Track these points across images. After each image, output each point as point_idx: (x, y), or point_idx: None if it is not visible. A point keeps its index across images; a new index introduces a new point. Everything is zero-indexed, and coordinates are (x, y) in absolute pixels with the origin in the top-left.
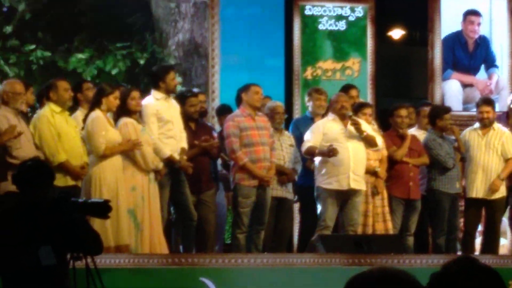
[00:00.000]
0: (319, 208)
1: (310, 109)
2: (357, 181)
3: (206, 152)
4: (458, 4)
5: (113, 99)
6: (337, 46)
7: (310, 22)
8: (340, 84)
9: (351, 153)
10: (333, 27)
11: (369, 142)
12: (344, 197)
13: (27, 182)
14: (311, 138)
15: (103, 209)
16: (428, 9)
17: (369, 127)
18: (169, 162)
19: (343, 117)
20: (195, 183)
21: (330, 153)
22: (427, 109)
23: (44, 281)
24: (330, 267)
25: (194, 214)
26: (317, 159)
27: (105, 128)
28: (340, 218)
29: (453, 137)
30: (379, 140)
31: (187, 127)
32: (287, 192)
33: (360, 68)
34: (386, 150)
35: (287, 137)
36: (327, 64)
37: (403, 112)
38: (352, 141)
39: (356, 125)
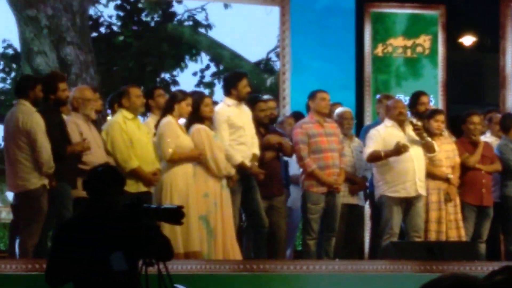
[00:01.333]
0: (383, 216)
1: (380, 115)
2: (422, 187)
3: (278, 154)
4: None
5: (185, 106)
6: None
7: (381, 30)
8: (411, 61)
9: (414, 159)
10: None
11: (428, 148)
12: (408, 204)
13: (97, 188)
14: (372, 144)
15: (176, 215)
16: (500, 15)
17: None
18: (240, 168)
19: (401, 123)
20: (266, 188)
21: (401, 149)
22: (499, 116)
23: (115, 287)
24: (402, 273)
25: (266, 221)
26: (376, 169)
27: (176, 134)
28: (403, 225)
29: None
30: (436, 146)
31: (257, 132)
32: (358, 199)
33: (431, 46)
34: (459, 157)
35: (357, 144)
36: (398, 41)
37: (476, 119)
38: (413, 147)
39: (419, 130)
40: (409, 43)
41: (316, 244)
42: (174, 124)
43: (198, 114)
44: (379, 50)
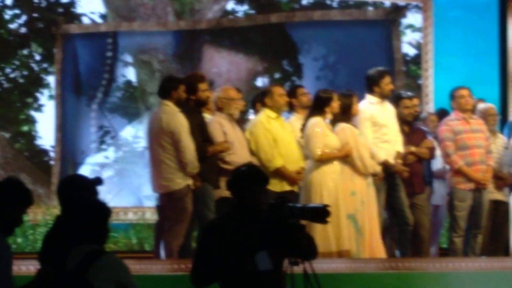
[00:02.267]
0: None
1: None
2: None
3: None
4: None
5: (334, 104)
6: None
7: None
8: None
9: None
10: None
11: None
12: None
13: (242, 187)
14: None
15: (322, 214)
16: None
17: None
18: (384, 166)
19: None
20: (408, 186)
21: None
22: None
23: (261, 286)
24: None
25: (411, 219)
26: None
27: (324, 133)
28: None
29: None
30: None
31: (401, 130)
32: (503, 195)
33: None
34: None
35: (501, 140)
36: None
37: None
38: None
39: None
40: None
41: (463, 242)
42: (322, 123)
43: (347, 114)
44: None
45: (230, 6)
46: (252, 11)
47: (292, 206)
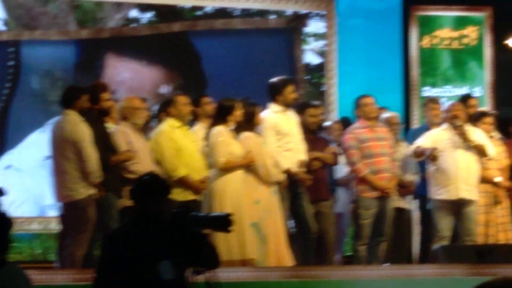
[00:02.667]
0: (433, 219)
1: (426, 119)
2: (468, 191)
3: (324, 163)
4: None
5: (237, 113)
6: (455, 56)
7: (427, 33)
8: (458, 50)
9: (460, 163)
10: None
11: (479, 151)
12: (458, 207)
13: (143, 196)
14: (419, 142)
15: (225, 222)
16: None
17: (484, 136)
18: (287, 175)
19: (454, 127)
20: (313, 193)
21: (430, 156)
22: None
23: None
24: (452, 277)
25: (314, 227)
26: (430, 171)
27: (228, 142)
28: (456, 229)
29: None
30: (491, 149)
31: (304, 138)
32: (405, 202)
33: (477, 36)
34: (508, 159)
35: (405, 148)
36: (445, 33)
37: None
38: (462, 150)
39: (462, 135)
40: (455, 34)
41: (367, 249)
42: (225, 132)
43: (251, 123)
44: (425, 41)
45: (133, 14)
46: (156, 19)
47: (195, 215)
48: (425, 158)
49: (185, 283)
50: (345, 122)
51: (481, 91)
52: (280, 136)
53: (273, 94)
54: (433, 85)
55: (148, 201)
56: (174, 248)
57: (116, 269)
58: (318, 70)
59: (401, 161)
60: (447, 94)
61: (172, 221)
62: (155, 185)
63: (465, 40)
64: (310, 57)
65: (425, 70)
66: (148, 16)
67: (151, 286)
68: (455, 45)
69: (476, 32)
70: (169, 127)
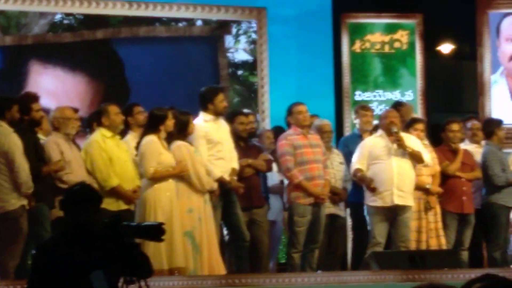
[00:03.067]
0: (369, 225)
1: (357, 126)
2: (403, 197)
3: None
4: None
5: (169, 122)
6: (386, 63)
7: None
8: (389, 57)
9: (394, 170)
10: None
11: (415, 158)
12: (392, 214)
13: (74, 206)
14: (357, 159)
15: (157, 232)
16: (476, 23)
17: (419, 143)
18: (220, 183)
19: (390, 133)
20: (246, 201)
21: (369, 186)
22: (475, 123)
23: None
24: (384, 283)
25: (247, 235)
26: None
27: (158, 151)
28: (391, 235)
29: (509, 150)
30: (427, 156)
31: (236, 146)
32: (339, 209)
33: (408, 41)
34: (439, 165)
35: (336, 155)
36: (376, 37)
37: (455, 126)
38: (397, 157)
39: (398, 141)
40: (386, 38)
41: (300, 257)
42: (156, 142)
43: (184, 132)
44: (357, 46)
45: (57, 20)
46: (80, 26)
47: (127, 225)
48: (363, 183)
49: None
50: (278, 130)
51: (412, 97)
52: (212, 144)
53: (204, 103)
54: (365, 91)
55: (79, 211)
56: (106, 258)
57: (49, 280)
58: (250, 77)
59: (333, 168)
60: (377, 99)
61: (104, 231)
62: (86, 195)
63: (396, 44)
64: (242, 64)
65: (357, 77)
66: (72, 22)
67: None
68: (386, 49)
69: (406, 36)
70: (100, 137)
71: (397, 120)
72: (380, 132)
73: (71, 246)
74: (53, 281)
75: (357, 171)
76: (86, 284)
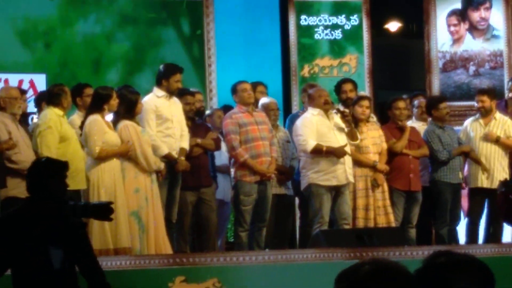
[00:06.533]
0: (313, 205)
1: (305, 104)
2: (351, 174)
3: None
4: None
5: (113, 102)
6: (334, 41)
7: (304, 19)
8: (336, 45)
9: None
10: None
11: (352, 135)
12: (336, 192)
13: (50, 175)
14: (309, 136)
15: (105, 211)
16: (423, 1)
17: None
18: (166, 159)
19: (326, 112)
20: (194, 180)
21: (341, 154)
22: (422, 100)
23: (55, 282)
24: (332, 261)
25: (174, 216)
26: (307, 157)
27: (103, 130)
28: (331, 213)
29: (457, 127)
30: (359, 134)
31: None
32: (286, 188)
33: (357, 64)
34: (386, 142)
35: (283, 133)
36: (324, 61)
37: (401, 104)
38: (340, 135)
39: (347, 117)
40: (335, 62)
41: (248, 235)
42: (100, 121)
43: (130, 111)
44: (306, 71)
45: None
46: None
47: (74, 204)
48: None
49: (75, 273)
50: (226, 109)
51: (360, 76)
52: (161, 121)
53: (160, 78)
54: (312, 72)
55: (50, 179)
56: (56, 237)
57: (6, 255)
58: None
59: (279, 146)
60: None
61: (52, 210)
62: (56, 164)
63: (345, 68)
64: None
65: (304, 55)
66: None
67: (42, 273)
68: (335, 73)
69: (355, 60)
70: (54, 115)
71: (329, 99)
72: (316, 110)
73: (30, 222)
74: (11, 257)
75: (319, 146)
76: (44, 260)
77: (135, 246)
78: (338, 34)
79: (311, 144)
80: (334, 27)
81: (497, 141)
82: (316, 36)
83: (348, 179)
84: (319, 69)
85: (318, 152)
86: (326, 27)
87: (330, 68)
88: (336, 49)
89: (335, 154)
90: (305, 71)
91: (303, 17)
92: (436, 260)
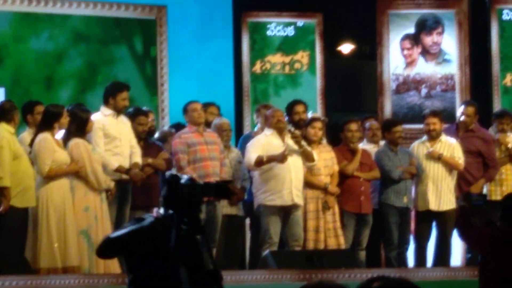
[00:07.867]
0: (262, 225)
1: (259, 125)
2: (299, 196)
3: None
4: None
5: (64, 120)
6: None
7: (258, 39)
8: (289, 77)
9: (292, 168)
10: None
11: (307, 157)
12: (286, 213)
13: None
14: (254, 150)
15: (227, 189)
16: (376, 23)
17: (305, 143)
18: (119, 172)
19: (280, 132)
20: (145, 199)
21: (282, 157)
22: (373, 123)
23: None
24: (282, 283)
25: None
26: (256, 177)
27: (53, 149)
28: (283, 234)
29: (409, 150)
30: (316, 155)
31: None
32: (237, 209)
33: (309, 61)
34: (337, 165)
35: (235, 154)
36: (276, 58)
37: (353, 126)
38: (292, 156)
39: (296, 139)
40: (287, 59)
41: None
42: (50, 139)
43: (82, 130)
44: (258, 67)
45: None
46: None
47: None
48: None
49: None
50: (178, 128)
51: (312, 97)
52: (109, 139)
53: (106, 96)
54: (265, 92)
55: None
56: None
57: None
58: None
59: (231, 167)
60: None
61: None
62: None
63: (297, 65)
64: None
65: (257, 76)
66: None
67: None
68: (287, 70)
69: (307, 57)
70: (6, 132)
71: (283, 119)
72: (270, 131)
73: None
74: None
75: (260, 158)
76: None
77: (84, 265)
78: (290, 31)
79: (253, 157)
80: (287, 24)
81: (439, 158)
82: (268, 33)
83: (293, 200)
84: (271, 66)
85: (260, 163)
86: (278, 23)
87: (282, 65)
88: (288, 46)
89: (276, 160)
90: (257, 67)
91: (256, 37)
92: (371, 285)
